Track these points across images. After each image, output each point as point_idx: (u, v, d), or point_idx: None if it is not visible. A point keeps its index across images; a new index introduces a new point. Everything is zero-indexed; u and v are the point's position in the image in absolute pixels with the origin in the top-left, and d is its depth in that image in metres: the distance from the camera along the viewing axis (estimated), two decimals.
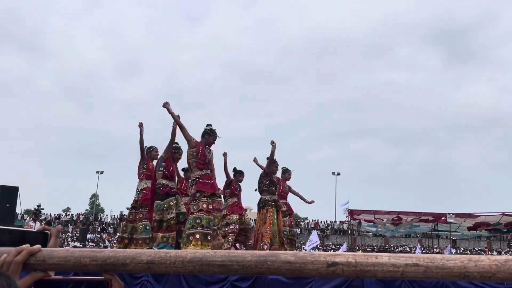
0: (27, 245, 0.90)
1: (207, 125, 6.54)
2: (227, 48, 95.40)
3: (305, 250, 18.73)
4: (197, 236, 5.71)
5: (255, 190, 7.56)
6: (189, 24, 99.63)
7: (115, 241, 32.44)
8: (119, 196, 76.46)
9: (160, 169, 6.77)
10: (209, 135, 6.34)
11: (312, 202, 9.06)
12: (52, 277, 0.92)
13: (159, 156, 7.07)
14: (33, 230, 0.96)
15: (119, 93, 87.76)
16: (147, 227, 6.94)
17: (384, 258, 0.88)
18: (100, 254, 0.92)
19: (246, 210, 10.03)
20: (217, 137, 6.42)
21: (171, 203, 6.56)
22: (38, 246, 0.91)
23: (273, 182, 7.41)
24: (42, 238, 0.95)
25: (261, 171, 7.53)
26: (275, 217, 7.13)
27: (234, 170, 8.28)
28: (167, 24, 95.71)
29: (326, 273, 0.88)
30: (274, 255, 0.90)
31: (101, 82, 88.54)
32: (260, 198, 7.38)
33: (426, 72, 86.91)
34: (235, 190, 8.10)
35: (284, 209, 7.99)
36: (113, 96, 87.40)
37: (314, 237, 17.32)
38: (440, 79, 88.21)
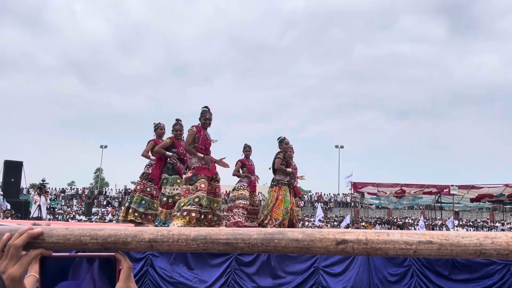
0: (30, 226, 0.86)
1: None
2: (230, 22, 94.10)
3: (313, 223, 18.93)
4: (193, 214, 5.60)
5: (269, 168, 7.59)
6: None
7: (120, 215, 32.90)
8: (123, 170, 77.00)
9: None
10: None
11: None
12: (59, 254, 0.87)
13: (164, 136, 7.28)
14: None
15: (122, 68, 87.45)
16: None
17: (396, 235, 0.84)
18: (101, 232, 0.88)
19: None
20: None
21: (178, 181, 6.68)
22: (39, 230, 0.87)
23: (288, 163, 7.49)
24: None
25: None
26: (288, 194, 7.18)
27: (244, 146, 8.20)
28: None
29: (335, 251, 0.85)
30: (281, 233, 0.87)
31: (105, 56, 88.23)
32: (275, 177, 7.42)
33: (431, 43, 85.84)
34: (250, 167, 7.96)
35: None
36: (116, 71, 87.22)
37: (319, 210, 17.57)
38: (444, 51, 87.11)
